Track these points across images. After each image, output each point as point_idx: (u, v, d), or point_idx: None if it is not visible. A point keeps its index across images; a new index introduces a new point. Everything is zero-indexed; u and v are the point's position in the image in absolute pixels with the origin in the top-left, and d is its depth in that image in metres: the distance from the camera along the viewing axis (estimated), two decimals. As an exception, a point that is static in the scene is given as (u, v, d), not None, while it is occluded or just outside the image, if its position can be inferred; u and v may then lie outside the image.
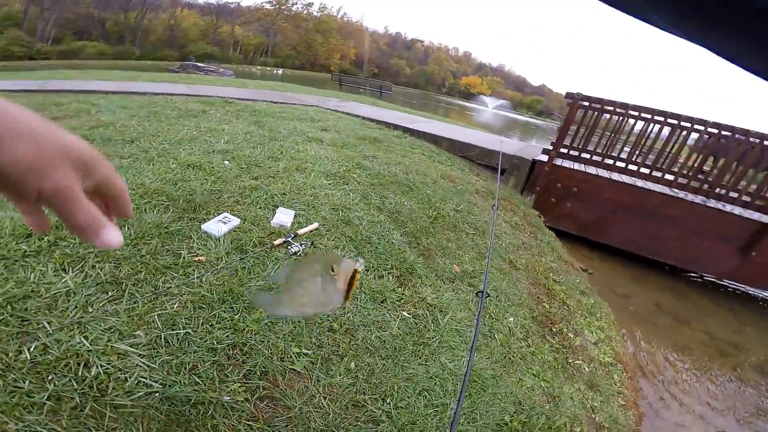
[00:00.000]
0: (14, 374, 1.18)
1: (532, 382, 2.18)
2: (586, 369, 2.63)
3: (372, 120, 6.86)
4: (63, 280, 1.55)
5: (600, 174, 5.57)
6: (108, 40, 41.98)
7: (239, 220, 2.31)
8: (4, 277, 1.49)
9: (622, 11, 0.42)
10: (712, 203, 5.18)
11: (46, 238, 1.73)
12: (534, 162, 5.86)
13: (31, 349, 1.26)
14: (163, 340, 1.46)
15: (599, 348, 2.96)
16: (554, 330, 2.84)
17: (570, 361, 2.62)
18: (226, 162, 3.12)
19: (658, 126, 5.46)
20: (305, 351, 1.64)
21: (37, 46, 32.12)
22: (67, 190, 0.31)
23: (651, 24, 0.41)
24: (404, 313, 2.13)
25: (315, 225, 2.51)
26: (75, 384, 1.21)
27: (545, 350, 2.54)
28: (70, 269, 1.62)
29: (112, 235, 0.34)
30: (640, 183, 5.47)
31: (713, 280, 5.66)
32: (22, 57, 29.64)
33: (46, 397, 1.15)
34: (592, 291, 3.87)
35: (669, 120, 5.28)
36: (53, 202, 0.31)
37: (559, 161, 5.79)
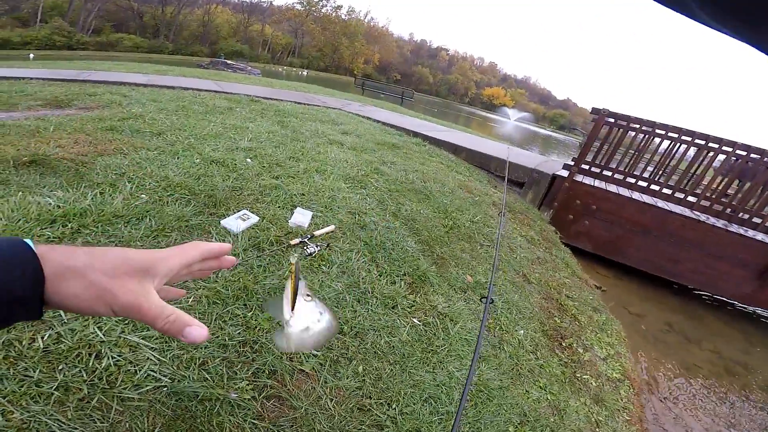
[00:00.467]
0: (25, 363, 1.19)
1: (539, 395, 2.18)
2: (594, 384, 2.63)
3: (392, 126, 6.90)
4: (83, 269, 1.58)
5: (621, 192, 5.48)
6: (144, 33, 43.29)
7: (258, 218, 2.35)
8: (27, 263, 1.52)
9: (666, 6, 0.41)
10: (733, 228, 5.06)
11: (69, 225, 1.77)
12: (554, 177, 5.79)
13: (45, 338, 1.27)
14: None
15: (608, 363, 2.95)
16: (564, 344, 2.84)
17: (578, 375, 2.62)
18: (249, 160, 3.18)
19: (684, 146, 5.34)
20: (314, 352, 1.65)
21: (77, 36, 33.20)
22: (135, 305, 0.38)
23: (695, 20, 0.40)
24: (414, 320, 2.14)
25: (331, 227, 2.53)
26: (85, 375, 1.22)
27: (554, 364, 2.54)
28: (91, 257, 1.66)
29: (196, 333, 0.40)
30: (661, 203, 5.37)
31: (726, 301, 5.58)
32: (62, 47, 30.70)
33: (54, 387, 1.16)
34: (605, 308, 3.85)
35: (696, 140, 5.16)
36: (131, 317, 0.39)
37: (579, 177, 5.71)
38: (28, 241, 0.37)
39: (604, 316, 3.61)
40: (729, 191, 5.55)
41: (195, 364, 1.40)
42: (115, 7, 41.93)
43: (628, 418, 2.56)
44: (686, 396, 3.44)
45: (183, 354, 1.42)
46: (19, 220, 1.71)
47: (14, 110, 3.44)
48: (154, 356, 1.36)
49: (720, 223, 5.14)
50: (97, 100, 4.11)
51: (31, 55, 21.09)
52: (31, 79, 5.01)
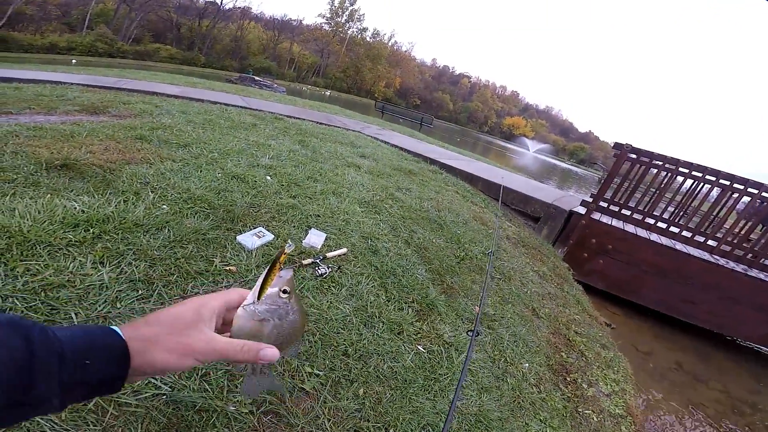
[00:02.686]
0: None
1: (538, 428, 2.15)
2: (595, 419, 2.60)
3: (409, 152, 6.98)
4: (99, 273, 1.62)
5: (639, 233, 5.40)
6: (180, 45, 45.36)
7: (273, 236, 2.39)
8: (45, 264, 1.57)
9: None
10: (753, 272, 4.93)
11: (91, 230, 1.84)
12: (570, 213, 5.75)
13: None
14: None
15: (611, 399, 2.92)
16: (568, 379, 2.82)
17: (579, 410, 2.60)
18: (268, 177, 3.25)
19: (707, 186, 5.23)
20: (317, 371, 1.67)
21: (118, 45, 34.91)
22: (211, 349, 0.49)
23: None
24: (419, 347, 2.15)
25: (344, 250, 2.56)
26: None
27: (556, 398, 2.51)
28: (108, 263, 1.70)
29: (270, 353, 0.52)
30: (680, 246, 5.27)
31: (740, 343, 5.51)
32: (103, 54, 32.20)
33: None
34: (613, 345, 3.82)
35: (721, 180, 5.04)
36: (212, 359, 0.50)
37: (597, 215, 5.65)
38: (116, 329, 0.46)
39: (612, 353, 3.58)
40: (752, 236, 5.41)
41: (197, 374, 1.42)
42: (155, 17, 44.29)
43: None
44: None
45: None
46: (45, 221, 1.78)
47: (53, 113, 3.62)
48: None
49: (740, 267, 5.02)
50: (130, 109, 4.29)
51: (74, 60, 22.16)
52: (72, 84, 5.27)
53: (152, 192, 2.37)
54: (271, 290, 0.54)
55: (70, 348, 0.41)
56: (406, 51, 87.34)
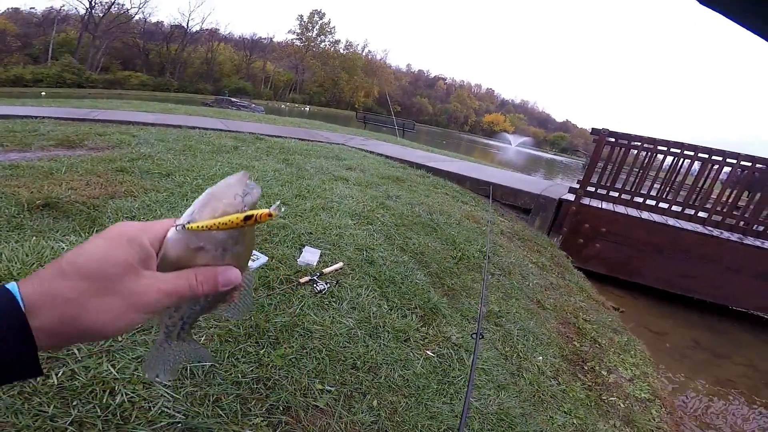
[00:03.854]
0: (40, 398, 1.20)
1: (564, 420, 2.13)
2: (622, 405, 2.57)
3: (395, 159, 6.98)
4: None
5: (629, 213, 5.45)
6: (150, 71, 44.83)
7: (266, 258, 2.35)
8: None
9: (721, 13, 0.41)
10: (749, 240, 4.98)
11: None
12: (560, 201, 5.78)
13: (59, 375, 1.29)
14: (188, 371, 1.48)
15: (635, 384, 2.88)
16: (586, 368, 2.80)
17: (604, 398, 2.57)
18: (256, 200, 3.20)
19: (688, 161, 5.35)
20: (328, 387, 1.64)
21: (87, 74, 34.28)
22: (163, 298, 0.37)
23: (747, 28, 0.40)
24: (428, 352, 2.12)
25: (340, 264, 2.52)
26: (99, 411, 1.23)
27: (577, 388, 2.49)
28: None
29: (232, 276, 0.40)
30: (672, 221, 5.33)
31: (750, 313, 5.46)
32: (72, 84, 31.58)
33: (69, 422, 1.16)
34: (625, 329, 3.78)
35: (699, 154, 5.18)
36: (166, 306, 0.39)
37: (586, 200, 5.71)
38: (10, 286, 0.33)
39: (626, 337, 3.55)
40: (740, 203, 5.51)
41: (209, 400, 1.40)
42: (121, 44, 43.77)
43: None
44: (725, 413, 3.31)
45: (197, 390, 1.41)
46: (34, 264, 1.74)
47: (28, 150, 3.53)
48: (168, 393, 1.36)
49: (735, 236, 5.07)
50: (106, 140, 4.21)
51: (43, 93, 21.78)
52: (44, 118, 5.13)
53: (139, 225, 2.31)
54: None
55: None
56: (380, 59, 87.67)
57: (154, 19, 51.01)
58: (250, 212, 0.38)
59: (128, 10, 43.19)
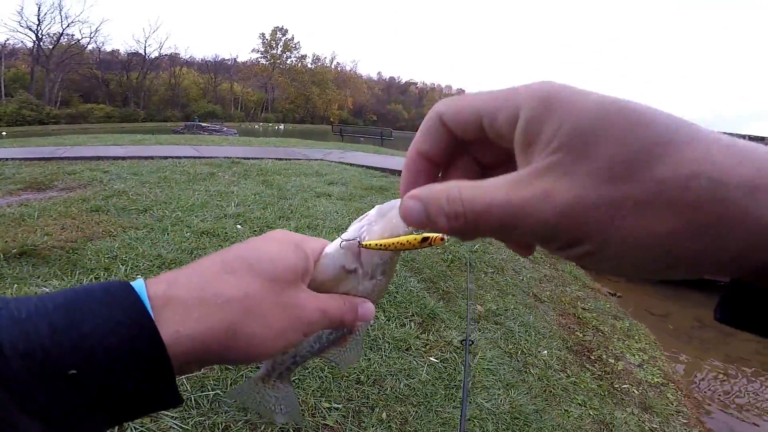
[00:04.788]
0: None
1: (579, 412, 2.12)
2: (636, 392, 2.57)
3: (376, 168, 7.00)
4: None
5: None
6: (113, 102, 43.63)
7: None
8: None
9: None
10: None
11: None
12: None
13: None
14: (193, 401, 1.44)
15: (645, 370, 2.89)
16: (593, 357, 2.79)
17: (616, 386, 2.56)
18: (239, 226, 3.16)
19: None
20: (335, 405, 1.61)
21: (46, 110, 33.03)
22: (322, 319, 0.31)
23: None
24: (431, 358, 2.10)
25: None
26: None
27: (587, 378, 2.48)
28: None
29: (369, 310, 0.34)
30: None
31: None
32: (32, 122, 30.34)
33: None
34: (625, 314, 3.77)
35: None
36: (318, 330, 0.32)
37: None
38: (136, 286, 0.25)
39: (627, 322, 3.55)
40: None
41: (218, 428, 1.37)
42: (78, 76, 42.42)
43: (685, 421, 2.49)
44: (745, 389, 3.27)
45: (205, 420, 1.38)
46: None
47: (-6, 195, 3.39)
48: (176, 425, 1.33)
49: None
50: (77, 179, 4.08)
51: (4, 132, 20.97)
52: (7, 160, 4.94)
53: (122, 264, 2.26)
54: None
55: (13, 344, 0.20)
56: (351, 70, 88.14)
57: (108, 48, 49.65)
58: (426, 234, 0.34)
59: (79, 40, 41.99)
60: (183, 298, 0.25)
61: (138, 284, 0.25)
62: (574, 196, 0.18)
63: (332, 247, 0.35)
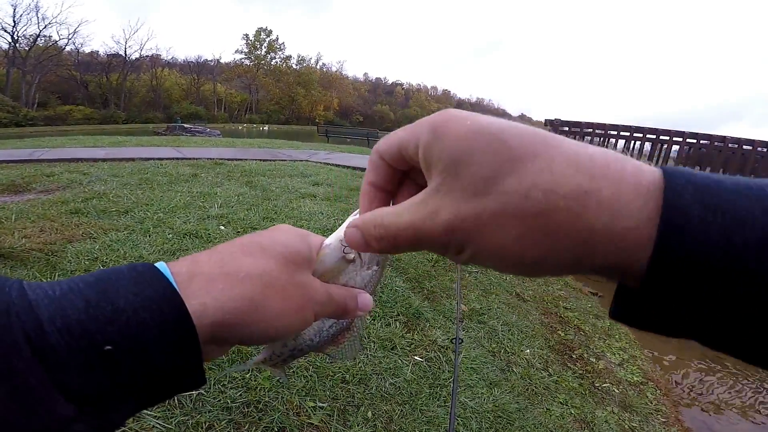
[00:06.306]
0: None
1: (561, 410, 2.15)
2: (616, 391, 2.61)
3: (362, 169, 6.99)
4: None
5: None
6: (93, 104, 42.26)
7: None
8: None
9: None
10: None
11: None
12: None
13: None
14: (176, 401, 1.43)
15: (625, 369, 2.94)
16: (574, 356, 2.84)
17: (597, 384, 2.60)
18: (222, 227, 3.14)
19: (639, 142, 5.70)
20: (320, 404, 1.62)
21: (23, 112, 31.96)
22: (330, 303, 0.32)
23: None
24: (416, 357, 2.12)
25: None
26: None
27: (568, 377, 2.52)
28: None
29: (368, 301, 0.36)
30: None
31: None
32: (8, 124, 29.32)
33: None
34: (606, 313, 3.84)
35: (648, 135, 5.44)
36: (325, 315, 0.33)
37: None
38: (159, 266, 0.26)
39: (608, 322, 3.58)
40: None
41: (201, 428, 1.37)
42: (56, 77, 41.07)
43: (664, 419, 2.53)
44: (718, 389, 3.29)
45: (188, 419, 1.38)
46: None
47: (-29, 199, 3.31)
48: (159, 424, 1.32)
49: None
50: (56, 181, 4.00)
51: (-21, 136, 20.31)
52: (-17, 162, 4.83)
53: (103, 266, 2.22)
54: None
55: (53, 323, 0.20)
56: (336, 71, 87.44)
57: (87, 50, 47.83)
58: None
59: (57, 41, 40.68)
60: (206, 272, 0.27)
61: (160, 265, 0.26)
62: (451, 212, 0.21)
63: (332, 239, 0.37)
